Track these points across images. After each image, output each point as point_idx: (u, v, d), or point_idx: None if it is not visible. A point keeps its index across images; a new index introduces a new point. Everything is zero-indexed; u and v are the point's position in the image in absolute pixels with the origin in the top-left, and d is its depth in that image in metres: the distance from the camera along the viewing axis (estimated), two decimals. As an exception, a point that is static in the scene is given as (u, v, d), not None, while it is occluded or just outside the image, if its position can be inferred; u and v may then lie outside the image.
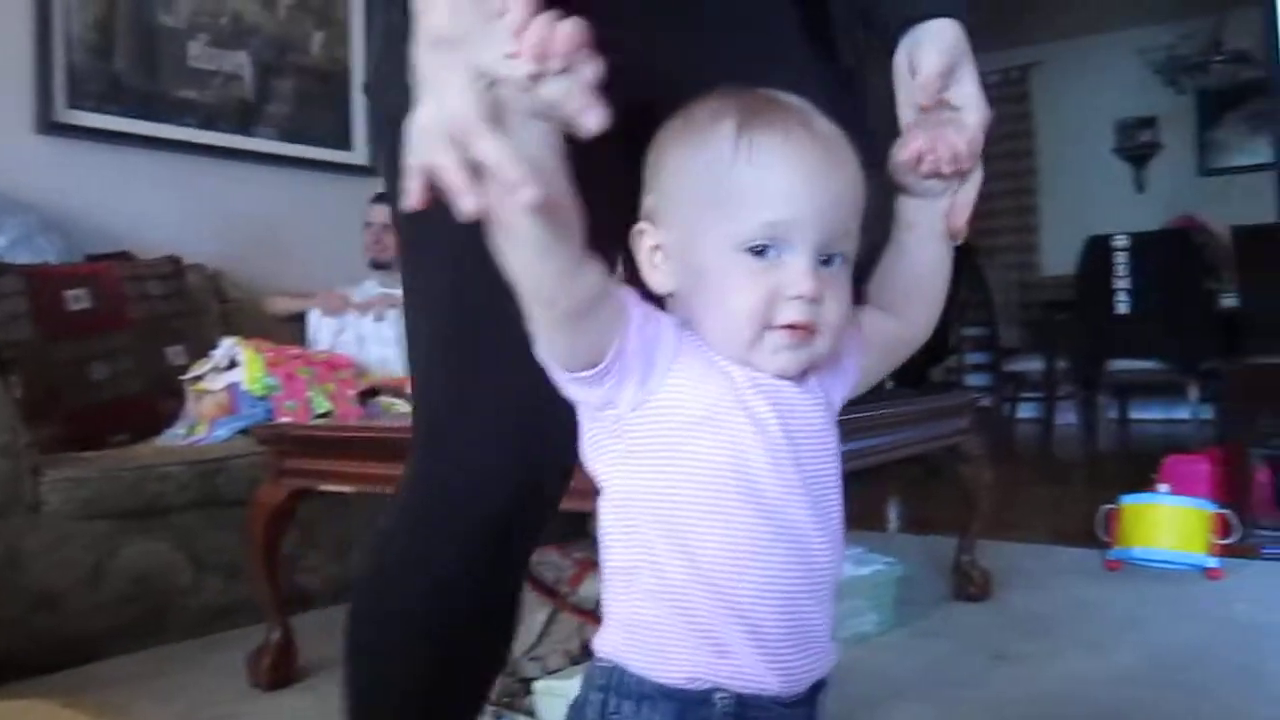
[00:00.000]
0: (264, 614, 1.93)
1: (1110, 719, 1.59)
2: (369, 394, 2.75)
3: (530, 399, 0.85)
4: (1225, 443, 3.01)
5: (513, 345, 0.81)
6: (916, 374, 5.14)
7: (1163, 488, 2.66)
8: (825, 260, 0.68)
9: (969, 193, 0.80)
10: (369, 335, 3.05)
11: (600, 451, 0.71)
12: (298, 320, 3.15)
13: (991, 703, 1.67)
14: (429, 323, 0.93)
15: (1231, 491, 2.88)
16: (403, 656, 0.98)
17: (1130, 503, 2.60)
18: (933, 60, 0.80)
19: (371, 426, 2.13)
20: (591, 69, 0.59)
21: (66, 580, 2.11)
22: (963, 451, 2.23)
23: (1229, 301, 4.61)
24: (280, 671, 1.92)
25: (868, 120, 0.95)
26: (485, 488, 0.90)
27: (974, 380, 6.04)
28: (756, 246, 0.66)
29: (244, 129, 3.41)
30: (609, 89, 0.65)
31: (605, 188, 0.72)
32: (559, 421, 0.84)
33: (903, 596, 2.16)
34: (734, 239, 0.67)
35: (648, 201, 0.72)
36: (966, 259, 5.55)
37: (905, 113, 0.82)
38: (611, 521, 0.71)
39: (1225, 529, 2.51)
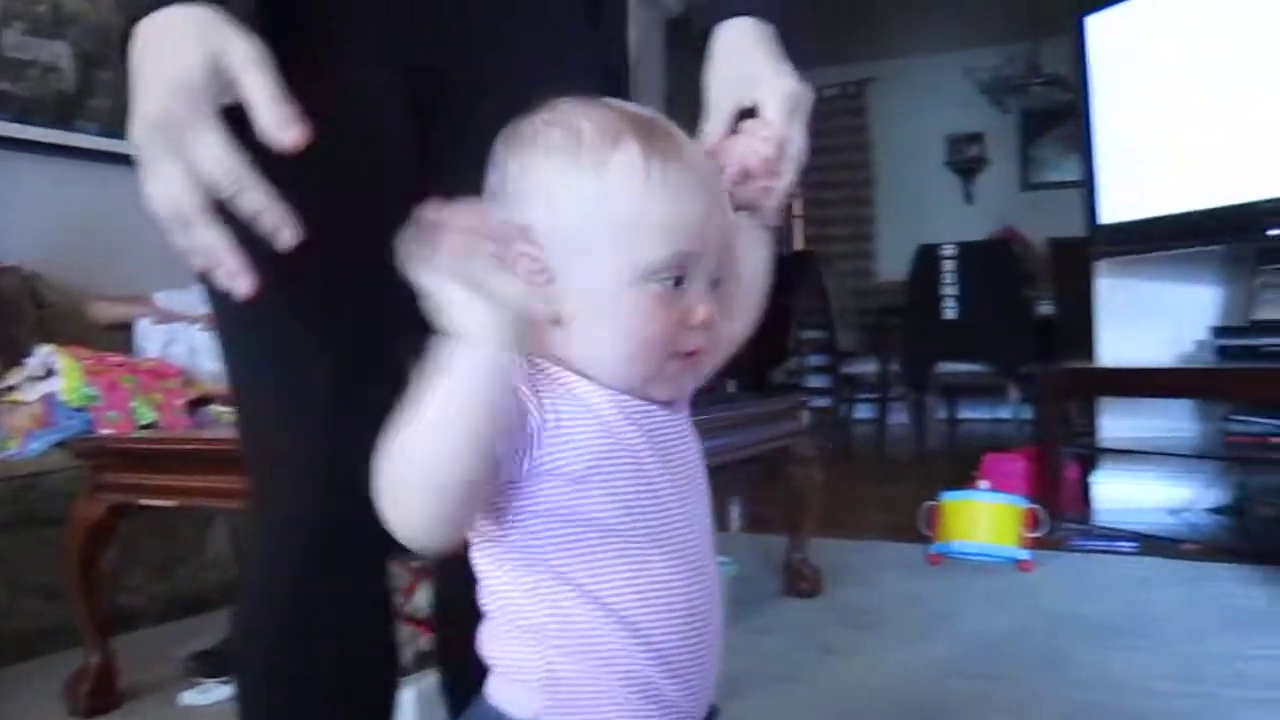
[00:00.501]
0: (82, 637, 1.84)
1: (927, 709, 1.67)
2: (199, 403, 2.65)
3: (333, 391, 0.87)
4: (1039, 442, 3.20)
5: (304, 340, 0.83)
6: (757, 376, 5.28)
7: (983, 484, 2.82)
8: (714, 283, 0.68)
9: (783, 181, 0.81)
10: (201, 347, 2.93)
11: (490, 511, 0.66)
12: (124, 328, 3.00)
13: (818, 696, 1.74)
14: (233, 328, 0.92)
15: (1044, 487, 3.07)
16: (263, 677, 0.97)
17: (950, 499, 2.75)
18: (775, 106, 0.81)
19: (196, 438, 2.05)
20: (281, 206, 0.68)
21: None
22: (794, 453, 2.31)
23: (1045, 309, 4.92)
24: (99, 697, 1.83)
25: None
26: (300, 490, 0.90)
27: (814, 382, 6.23)
28: (667, 277, 0.65)
29: (64, 123, 3.23)
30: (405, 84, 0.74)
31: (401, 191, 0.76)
32: (374, 414, 0.87)
33: (737, 595, 2.22)
34: (642, 269, 0.65)
35: (521, 221, 0.67)
36: (807, 265, 5.73)
37: (717, 111, 0.84)
38: (505, 579, 0.67)
39: (1036, 523, 2.68)
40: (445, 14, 0.92)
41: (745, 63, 0.84)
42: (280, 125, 0.69)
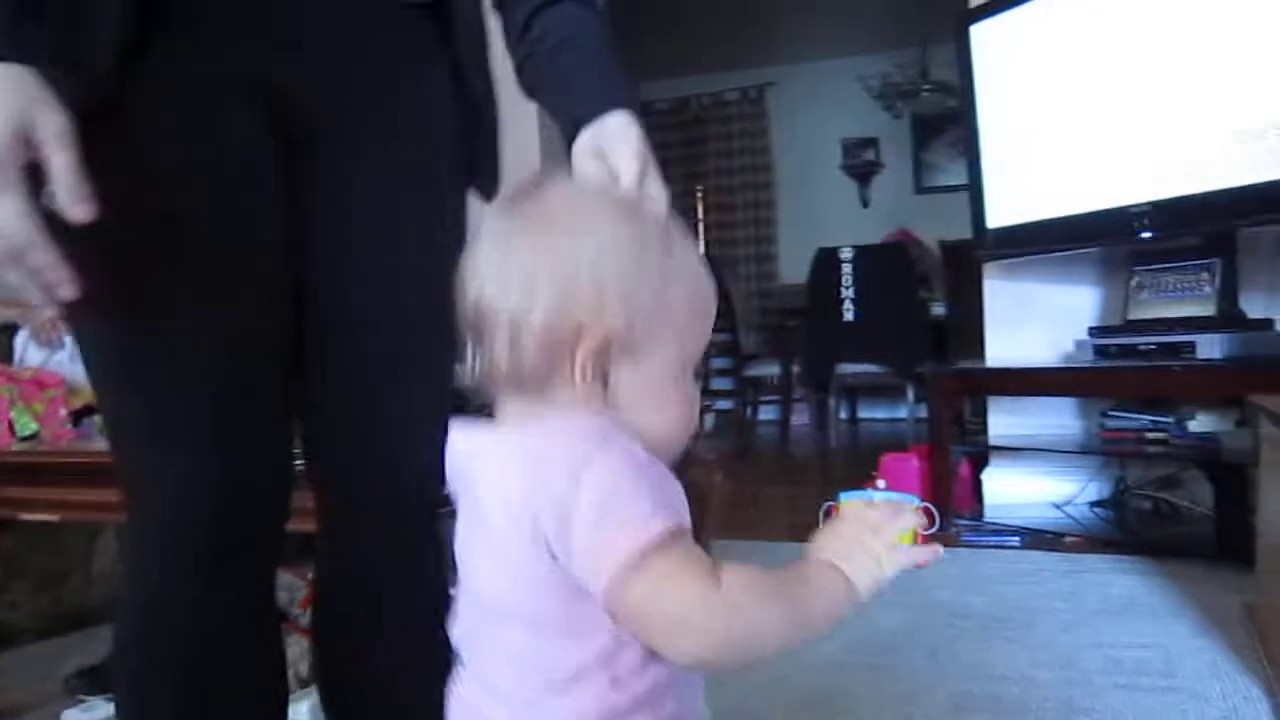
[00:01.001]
0: (-45, 658, 1.77)
1: (814, 703, 1.71)
2: (84, 413, 2.56)
3: (220, 404, 0.88)
4: (930, 441, 3.29)
5: (193, 350, 0.86)
6: (663, 380, 5.31)
7: (880, 483, 2.87)
8: None
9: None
10: None
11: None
12: (7, 331, 2.88)
13: (711, 692, 1.76)
14: (103, 340, 0.91)
15: (936, 485, 3.17)
16: (144, 693, 0.97)
17: (846, 499, 2.80)
18: (631, 168, 0.86)
19: (80, 450, 1.98)
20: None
21: None
22: (694, 456, 2.33)
23: (939, 310, 5.07)
24: (-24, 718, 1.76)
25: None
26: (182, 497, 0.90)
27: (718, 384, 6.32)
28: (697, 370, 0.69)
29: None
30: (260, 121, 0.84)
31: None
32: (257, 424, 0.91)
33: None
34: (689, 360, 0.69)
35: (594, 308, 0.64)
36: (710, 268, 5.79)
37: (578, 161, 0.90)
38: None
39: (930, 521, 2.75)
40: (297, 33, 0.92)
41: (599, 130, 0.89)
42: (75, 202, 0.76)
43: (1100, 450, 3.15)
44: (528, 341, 0.64)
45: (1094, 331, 3.07)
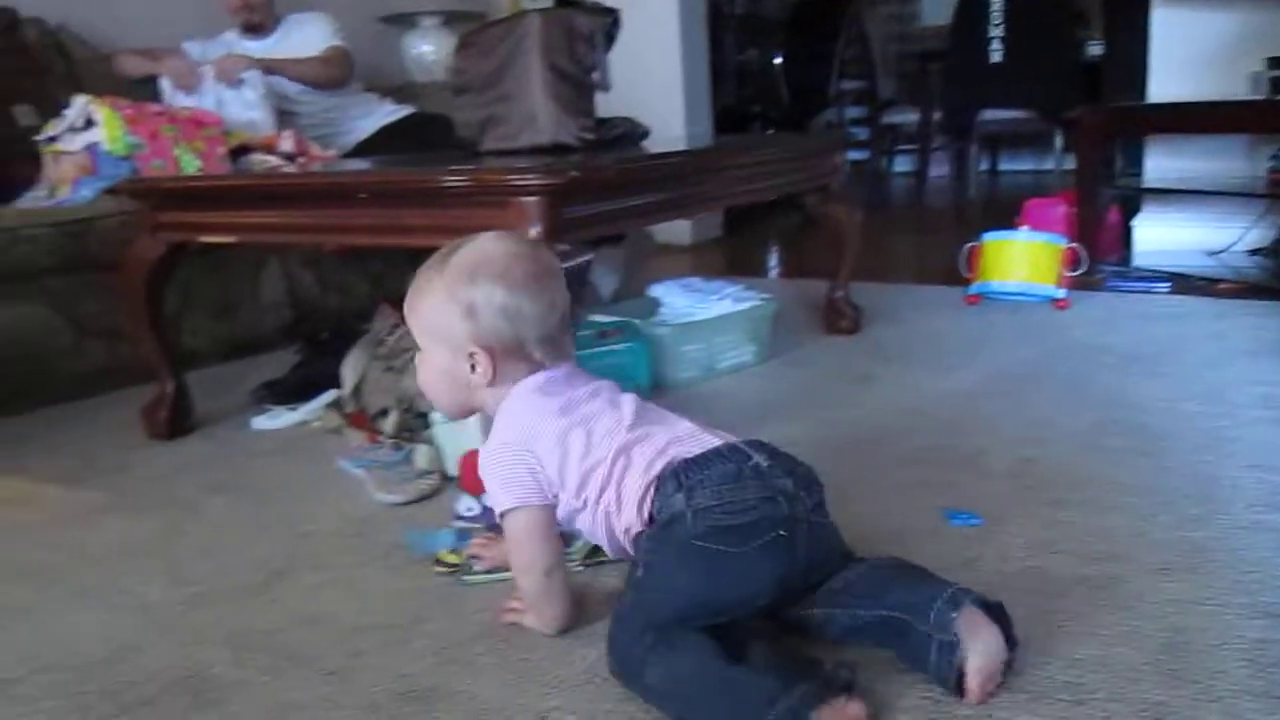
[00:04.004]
0: (154, 368, 1.94)
1: (947, 426, 1.75)
2: (239, 152, 2.66)
3: None
4: (1079, 184, 3.16)
5: None
6: (794, 129, 5.18)
7: (1023, 228, 2.81)
8: None
9: None
10: (229, 99, 2.91)
11: None
12: (149, 82, 2.97)
13: (851, 418, 1.82)
14: None
15: (1083, 230, 3.06)
16: None
17: (990, 239, 2.75)
18: None
19: (244, 174, 2.08)
20: None
21: (-60, 346, 2.07)
22: (833, 190, 2.30)
23: (1096, 50, 4.72)
24: (178, 422, 1.95)
25: None
26: None
27: (852, 134, 6.12)
28: None
29: None
30: None
31: None
32: None
33: (778, 331, 2.29)
34: None
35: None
36: (848, 10, 5.49)
37: None
38: None
39: (1074, 262, 2.69)
40: None
41: None
42: None
43: (1266, 193, 2.97)
44: None
45: (1273, 62, 2.83)
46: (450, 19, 4.05)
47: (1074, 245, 2.71)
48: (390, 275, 2.84)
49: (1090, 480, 1.46)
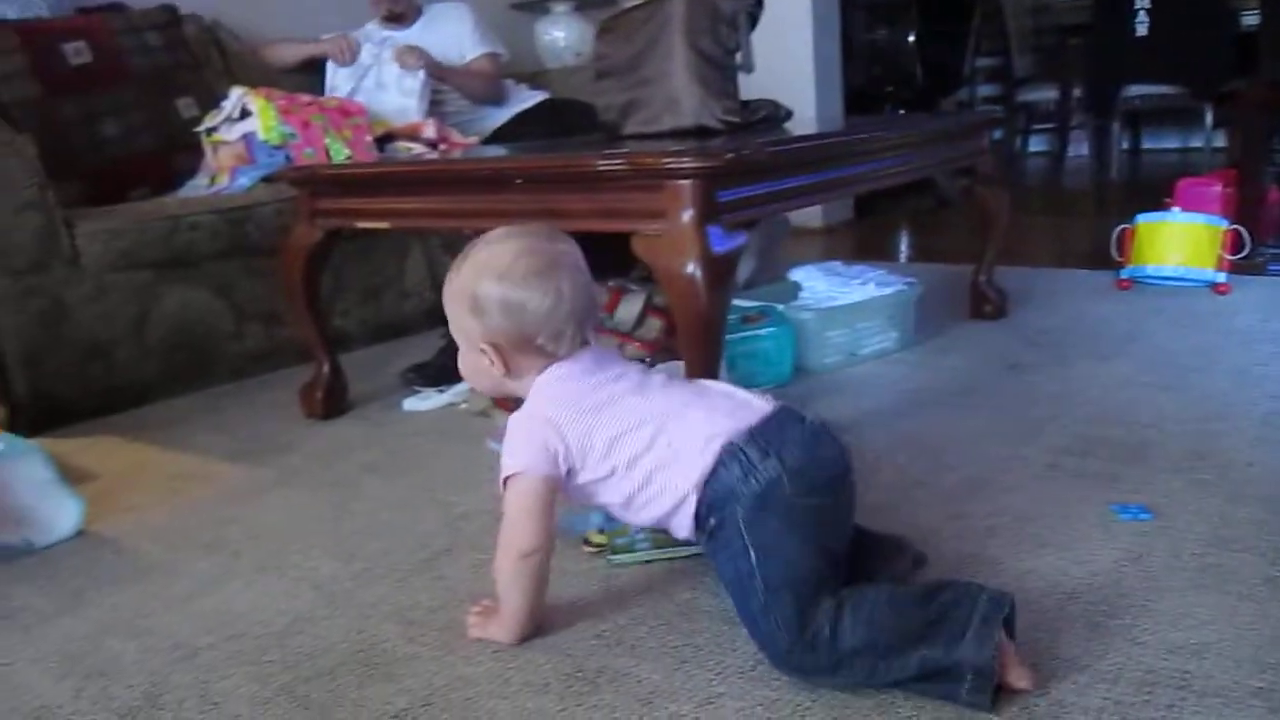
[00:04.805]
0: (311, 351, 2.01)
1: (1106, 415, 1.68)
2: (385, 140, 2.73)
3: None
4: (1240, 161, 2.99)
5: None
6: (928, 108, 5.05)
7: (1174, 209, 2.68)
8: None
9: None
10: (390, 82, 2.97)
11: None
12: (303, 70, 3.07)
13: (1002, 405, 1.77)
14: None
15: (1244, 211, 2.90)
16: None
17: (1144, 221, 2.63)
18: None
19: (400, 161, 2.13)
20: None
21: (112, 330, 2.19)
22: (980, 172, 2.24)
23: (1250, 20, 4.46)
24: (333, 403, 2.02)
25: None
26: None
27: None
28: None
29: None
30: None
31: None
32: None
33: (922, 316, 2.24)
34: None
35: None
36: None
37: None
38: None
39: (1236, 245, 2.55)
40: None
41: None
42: None
43: None
44: None
45: None
46: (582, 4, 4.08)
47: (1235, 227, 2.57)
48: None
49: (1271, 475, 1.38)
